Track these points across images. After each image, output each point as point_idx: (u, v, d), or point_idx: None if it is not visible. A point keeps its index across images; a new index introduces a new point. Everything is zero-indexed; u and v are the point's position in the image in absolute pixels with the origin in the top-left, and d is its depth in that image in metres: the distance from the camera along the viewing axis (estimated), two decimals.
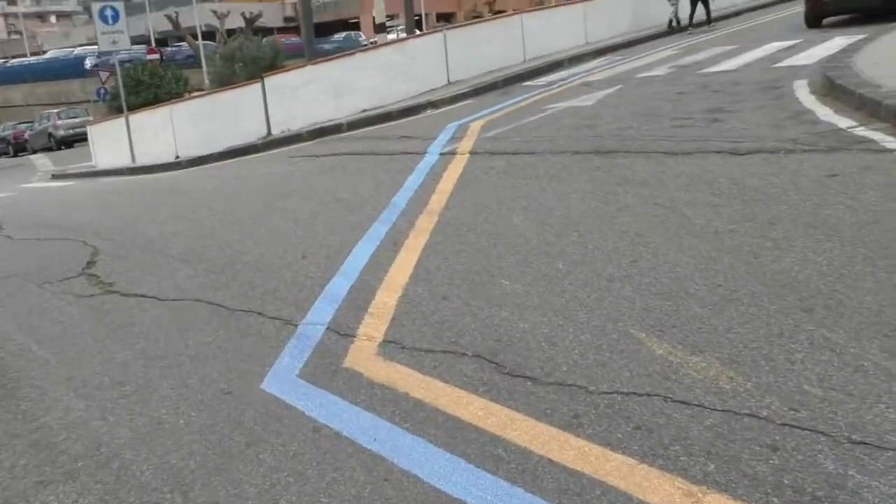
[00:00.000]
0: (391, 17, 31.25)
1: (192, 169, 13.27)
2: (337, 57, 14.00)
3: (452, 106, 11.82)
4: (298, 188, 8.15)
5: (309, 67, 13.71)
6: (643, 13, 17.85)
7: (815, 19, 14.67)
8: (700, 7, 17.13)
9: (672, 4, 16.96)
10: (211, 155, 13.13)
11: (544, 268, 4.05)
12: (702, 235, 4.16)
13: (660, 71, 11.39)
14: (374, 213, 6.00)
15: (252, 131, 13.28)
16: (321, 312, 3.92)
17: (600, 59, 14.68)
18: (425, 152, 8.41)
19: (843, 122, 6.31)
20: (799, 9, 15.77)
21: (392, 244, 4.99)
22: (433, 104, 11.84)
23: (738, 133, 6.54)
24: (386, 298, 3.95)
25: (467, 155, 7.80)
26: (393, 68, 12.54)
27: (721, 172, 5.40)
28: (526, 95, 11.38)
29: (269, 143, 12.64)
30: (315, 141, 11.84)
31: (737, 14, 20.07)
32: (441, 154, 8.12)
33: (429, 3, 44.19)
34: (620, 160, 6.36)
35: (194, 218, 7.54)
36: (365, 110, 12.24)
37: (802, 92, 7.95)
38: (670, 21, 17.15)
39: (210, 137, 13.64)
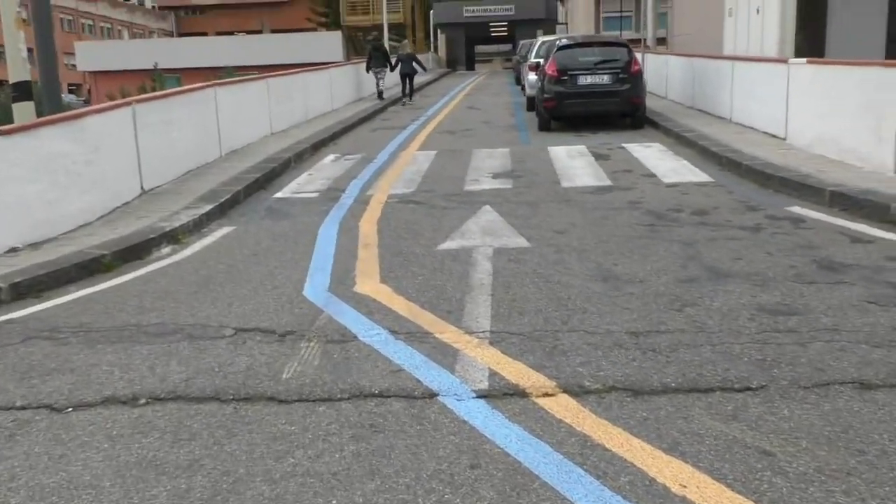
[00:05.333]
0: None
1: None
2: None
3: (204, 240, 7.08)
4: None
5: None
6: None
7: (550, 120, 13.47)
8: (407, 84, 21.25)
9: (379, 79, 21.04)
10: None
11: None
12: None
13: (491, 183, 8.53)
14: None
15: None
16: None
17: (342, 155, 11.23)
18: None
19: None
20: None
21: None
22: (170, 237, 6.92)
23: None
24: None
25: None
26: (65, 167, 7.12)
27: None
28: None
29: None
30: None
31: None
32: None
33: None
34: None
35: None
36: (15, 249, 6.58)
37: None
38: (380, 93, 21.15)
39: None
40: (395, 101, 21.84)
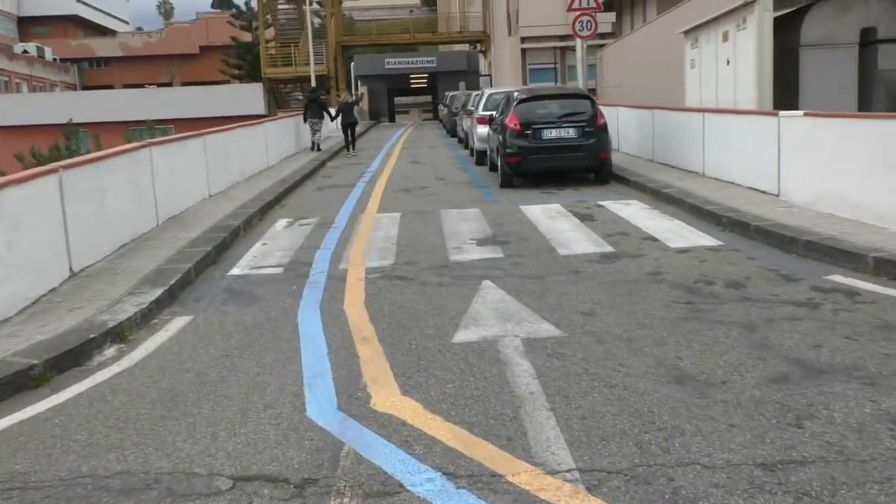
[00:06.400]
0: None
1: None
2: None
3: (156, 335, 5.85)
4: None
5: None
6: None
7: (513, 177, 12.75)
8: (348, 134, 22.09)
9: (315, 130, 21.64)
10: None
11: None
12: None
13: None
14: None
15: None
16: None
17: (295, 220, 10.10)
18: None
19: None
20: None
21: None
22: (114, 334, 5.67)
23: None
24: None
25: None
26: None
27: None
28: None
29: None
30: None
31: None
32: None
33: None
34: None
35: None
36: None
37: None
38: (313, 144, 21.69)
39: None
40: (333, 155, 20.89)
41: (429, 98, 61.75)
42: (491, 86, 44.29)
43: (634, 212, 9.96)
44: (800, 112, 8.81)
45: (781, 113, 9.19)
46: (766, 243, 7.65)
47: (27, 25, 77.87)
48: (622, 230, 8.79)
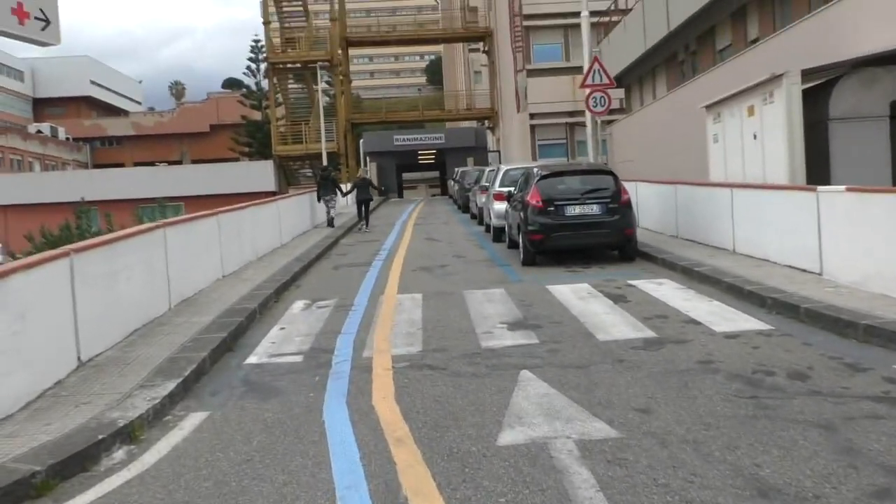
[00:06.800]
0: None
1: None
2: None
3: (170, 435, 5.37)
4: None
5: None
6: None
7: (536, 254, 12.40)
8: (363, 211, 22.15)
9: (330, 207, 21.77)
10: None
11: None
12: None
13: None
14: None
15: None
16: None
17: (312, 302, 9.70)
18: None
19: None
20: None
21: None
22: (124, 434, 5.19)
23: None
24: None
25: None
26: None
27: None
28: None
29: None
30: None
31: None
32: None
33: None
34: None
35: None
36: None
37: None
38: (329, 220, 21.80)
39: None
40: (346, 232, 20.65)
41: (436, 173, 62.24)
42: (500, 162, 44.65)
43: (668, 292, 9.52)
44: (841, 187, 8.47)
45: (820, 188, 8.85)
46: (820, 327, 7.17)
47: (42, 106, 79.63)
48: (660, 312, 8.33)
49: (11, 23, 7.76)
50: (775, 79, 10.71)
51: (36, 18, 7.89)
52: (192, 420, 5.64)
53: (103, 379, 6.36)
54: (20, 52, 77.48)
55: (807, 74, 10.67)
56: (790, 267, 9.58)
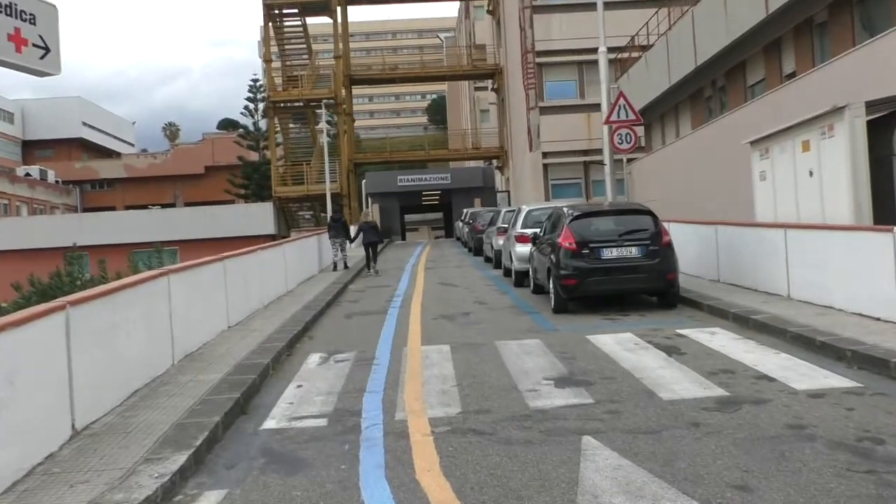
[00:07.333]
0: None
1: None
2: None
3: None
4: None
5: None
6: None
7: (568, 301, 11.83)
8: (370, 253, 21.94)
9: (340, 251, 21.73)
10: None
11: None
12: None
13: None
14: None
15: None
16: None
17: (329, 355, 9.11)
18: None
19: None
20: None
21: None
22: None
23: None
24: None
25: None
26: None
27: None
28: None
29: None
30: None
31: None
32: None
33: None
34: None
35: None
36: None
37: None
38: (335, 264, 21.81)
39: None
40: (354, 277, 20.09)
41: (439, 215, 61.81)
42: (509, 202, 44.23)
43: (725, 342, 8.92)
44: None
45: None
46: None
47: (31, 148, 79.69)
48: (724, 367, 7.72)
49: (8, 50, 7.30)
50: (836, 111, 10.25)
51: (35, 46, 7.45)
52: (208, 500, 5.00)
53: (102, 451, 5.73)
54: (11, 92, 78.01)
55: (869, 106, 10.21)
56: (860, 315, 8.98)
